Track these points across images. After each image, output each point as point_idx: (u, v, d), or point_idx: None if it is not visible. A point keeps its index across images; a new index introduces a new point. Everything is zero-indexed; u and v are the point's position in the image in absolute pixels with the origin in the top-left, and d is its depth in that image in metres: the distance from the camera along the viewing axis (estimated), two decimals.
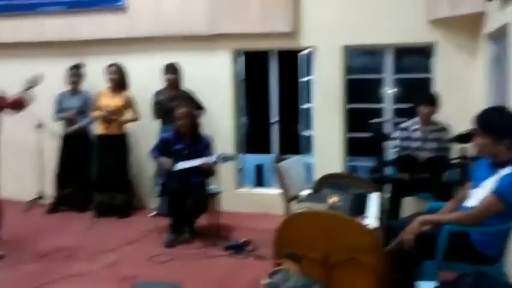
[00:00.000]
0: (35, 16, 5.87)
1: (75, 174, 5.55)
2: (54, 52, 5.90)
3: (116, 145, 5.39)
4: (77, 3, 5.75)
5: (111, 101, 5.33)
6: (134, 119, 5.43)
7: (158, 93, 5.34)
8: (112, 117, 5.28)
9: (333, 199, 3.05)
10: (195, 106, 5.22)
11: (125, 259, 4.04)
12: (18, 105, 4.16)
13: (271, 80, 5.67)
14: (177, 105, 4.67)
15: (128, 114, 5.41)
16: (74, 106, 5.50)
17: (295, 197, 3.73)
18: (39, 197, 5.73)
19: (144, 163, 5.64)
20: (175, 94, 5.26)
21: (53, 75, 5.70)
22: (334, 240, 2.70)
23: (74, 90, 5.58)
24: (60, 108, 5.55)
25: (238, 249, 4.15)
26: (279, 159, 3.51)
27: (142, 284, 2.70)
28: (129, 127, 5.51)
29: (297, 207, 3.30)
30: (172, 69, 5.30)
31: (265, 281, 2.21)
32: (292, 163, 4.03)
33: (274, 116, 5.72)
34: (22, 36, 5.91)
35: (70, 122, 5.50)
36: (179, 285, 2.71)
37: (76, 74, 5.54)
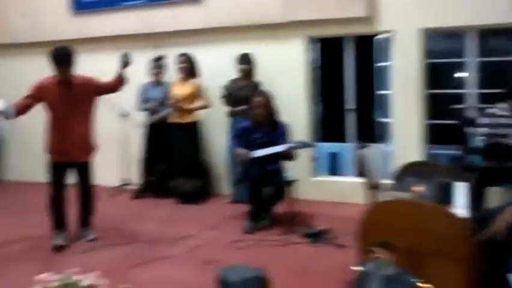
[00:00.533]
0: (119, 11, 6.15)
1: (159, 162, 5.80)
2: (136, 44, 6.15)
3: (188, 132, 5.56)
4: None
5: (180, 90, 5.51)
6: (204, 107, 5.57)
7: (230, 82, 5.47)
8: (178, 105, 5.45)
9: (419, 188, 2.99)
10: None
11: (207, 244, 4.18)
12: (118, 84, 4.36)
13: (346, 67, 5.59)
14: (252, 95, 4.71)
15: (198, 102, 5.55)
16: (157, 97, 5.72)
17: (376, 186, 3.67)
18: (125, 184, 6.06)
19: (216, 150, 5.82)
20: (244, 84, 5.38)
21: (136, 67, 5.98)
22: (422, 229, 2.64)
23: (157, 82, 5.80)
24: (143, 99, 5.81)
25: (317, 236, 4.15)
26: (360, 147, 3.45)
27: (228, 267, 2.76)
28: (200, 115, 5.66)
29: (380, 196, 3.26)
30: (245, 60, 5.39)
31: (358, 268, 2.21)
32: (373, 151, 3.96)
33: (350, 103, 5.65)
34: (108, 30, 6.22)
35: (152, 112, 5.76)
36: (264, 270, 2.75)
37: (158, 65, 5.76)
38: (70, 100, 4.09)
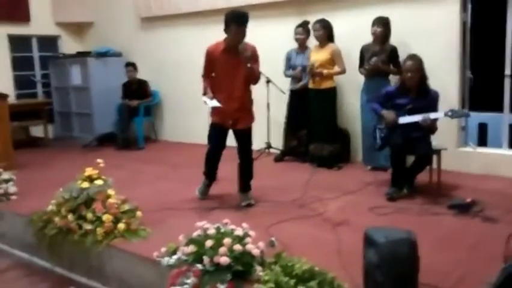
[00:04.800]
0: None
1: (300, 128, 5.98)
2: (280, 12, 6.32)
3: (324, 98, 5.58)
4: None
5: (317, 56, 5.54)
6: (340, 72, 5.54)
7: (363, 48, 5.41)
8: (317, 71, 5.47)
9: None
10: (392, 63, 5.20)
11: (348, 208, 4.23)
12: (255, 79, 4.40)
13: (507, 29, 5.10)
14: (406, 58, 4.49)
15: (335, 68, 5.54)
16: (300, 63, 5.84)
17: None
18: (268, 147, 6.37)
19: (351, 116, 5.81)
20: (378, 49, 5.26)
21: (280, 34, 6.16)
22: None
23: (301, 48, 5.89)
24: (288, 66, 5.97)
25: (464, 208, 3.94)
26: None
27: (374, 228, 2.74)
28: (337, 80, 5.65)
29: None
30: (378, 22, 5.24)
31: None
32: None
33: (508, 68, 5.17)
34: None
35: (295, 79, 5.91)
36: (413, 233, 2.69)
37: (301, 31, 5.82)
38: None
